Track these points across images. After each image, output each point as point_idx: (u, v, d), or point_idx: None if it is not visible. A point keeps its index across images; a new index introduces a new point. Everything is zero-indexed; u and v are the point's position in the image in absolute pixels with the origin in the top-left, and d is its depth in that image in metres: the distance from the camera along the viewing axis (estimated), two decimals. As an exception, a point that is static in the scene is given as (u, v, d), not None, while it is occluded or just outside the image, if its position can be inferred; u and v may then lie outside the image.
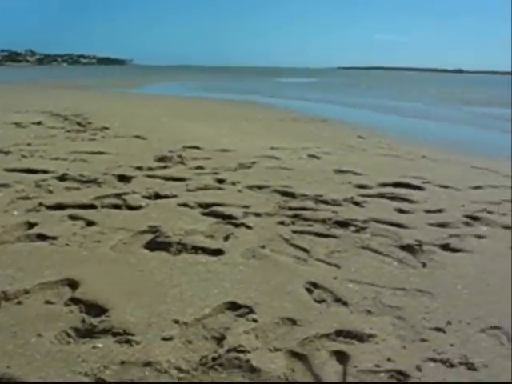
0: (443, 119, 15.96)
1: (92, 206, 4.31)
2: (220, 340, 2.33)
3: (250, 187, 5.15)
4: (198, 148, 7.40)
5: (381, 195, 5.04)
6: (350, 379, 2.07)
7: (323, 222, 4.08)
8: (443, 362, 2.19)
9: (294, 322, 2.50)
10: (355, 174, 6.06)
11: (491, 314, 2.65)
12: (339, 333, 2.40)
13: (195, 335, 2.37)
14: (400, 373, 2.10)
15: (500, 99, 27.13)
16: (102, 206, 4.32)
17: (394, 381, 2.07)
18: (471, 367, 2.16)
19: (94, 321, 2.42)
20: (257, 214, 4.23)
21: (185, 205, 4.43)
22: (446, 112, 18.96)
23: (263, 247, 3.51)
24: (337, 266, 3.23)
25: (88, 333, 2.34)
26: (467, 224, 4.22)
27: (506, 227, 4.19)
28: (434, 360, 2.20)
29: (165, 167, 6.04)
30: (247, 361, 2.15)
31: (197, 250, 3.43)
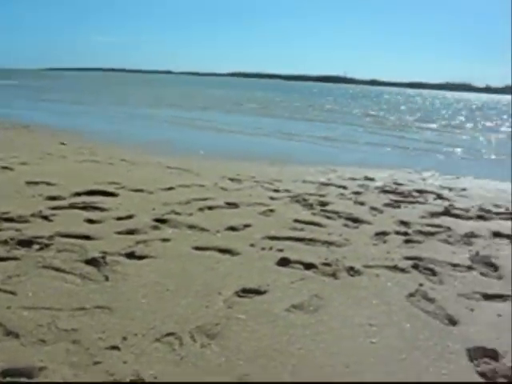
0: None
1: None
2: None
3: None
4: None
5: (73, 206, 4.84)
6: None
7: (5, 243, 3.73)
8: None
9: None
10: (49, 184, 5.74)
11: (167, 320, 2.72)
12: (5, 373, 2.20)
13: None
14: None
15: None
16: None
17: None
18: (143, 382, 2.18)
19: None
20: None
21: None
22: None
23: None
24: (12, 292, 2.95)
25: None
26: (155, 228, 4.32)
27: (191, 227, 4.42)
28: None
29: None
30: None
31: None
